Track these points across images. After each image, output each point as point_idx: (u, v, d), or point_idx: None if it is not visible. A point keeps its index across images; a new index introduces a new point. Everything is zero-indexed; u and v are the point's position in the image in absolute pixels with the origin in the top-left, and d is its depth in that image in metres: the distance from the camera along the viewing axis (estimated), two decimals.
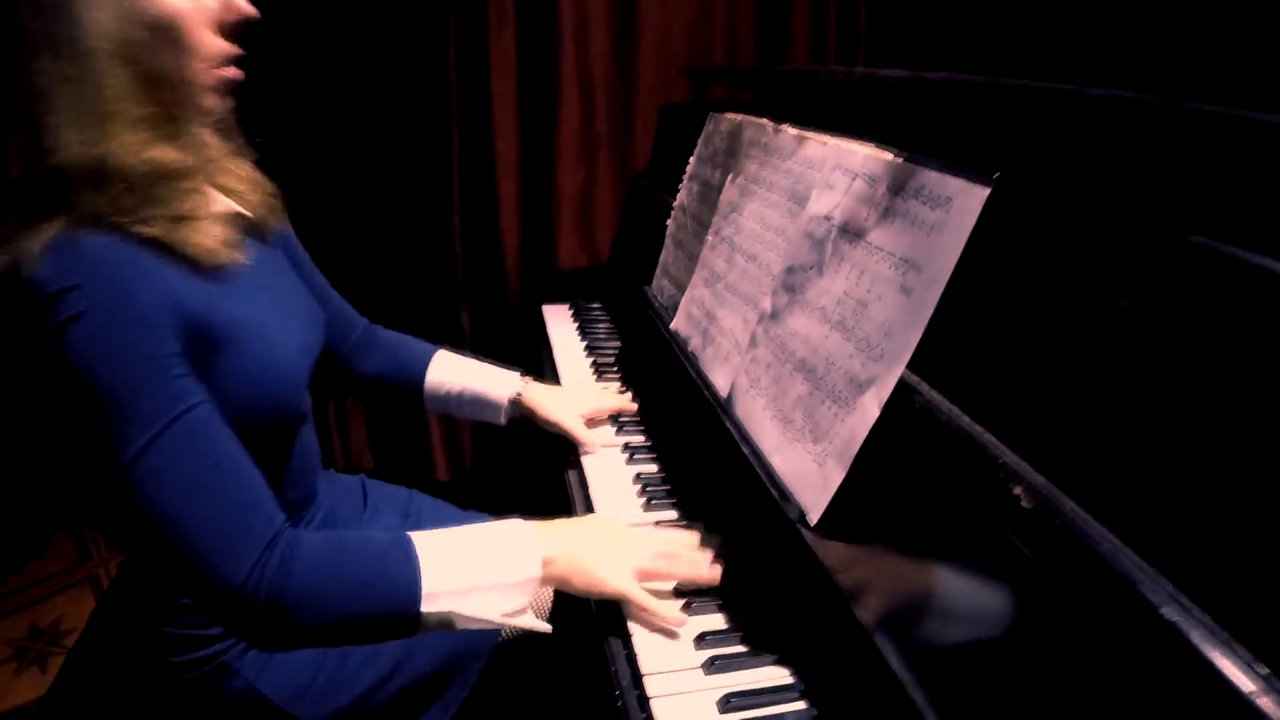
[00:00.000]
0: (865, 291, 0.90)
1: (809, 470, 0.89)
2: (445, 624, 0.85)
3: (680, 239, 1.47)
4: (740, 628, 0.92)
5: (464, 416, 1.37)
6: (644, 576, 0.94)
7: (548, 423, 1.32)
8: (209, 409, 0.81)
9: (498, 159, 1.96)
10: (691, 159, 1.53)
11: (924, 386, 0.83)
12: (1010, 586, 0.67)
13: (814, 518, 0.86)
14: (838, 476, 0.85)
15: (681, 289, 1.38)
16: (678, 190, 1.56)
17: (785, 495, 0.91)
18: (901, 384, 0.82)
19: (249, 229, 1.00)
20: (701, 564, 0.98)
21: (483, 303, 2.08)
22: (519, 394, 1.32)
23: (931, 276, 0.83)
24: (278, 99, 1.78)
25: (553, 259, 2.04)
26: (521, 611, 0.89)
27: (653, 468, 1.25)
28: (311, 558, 0.81)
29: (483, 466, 2.13)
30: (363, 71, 1.88)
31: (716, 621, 0.94)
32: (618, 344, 1.73)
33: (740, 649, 0.89)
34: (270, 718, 0.98)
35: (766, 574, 0.98)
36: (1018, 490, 0.68)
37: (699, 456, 1.21)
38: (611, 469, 1.25)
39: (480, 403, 1.32)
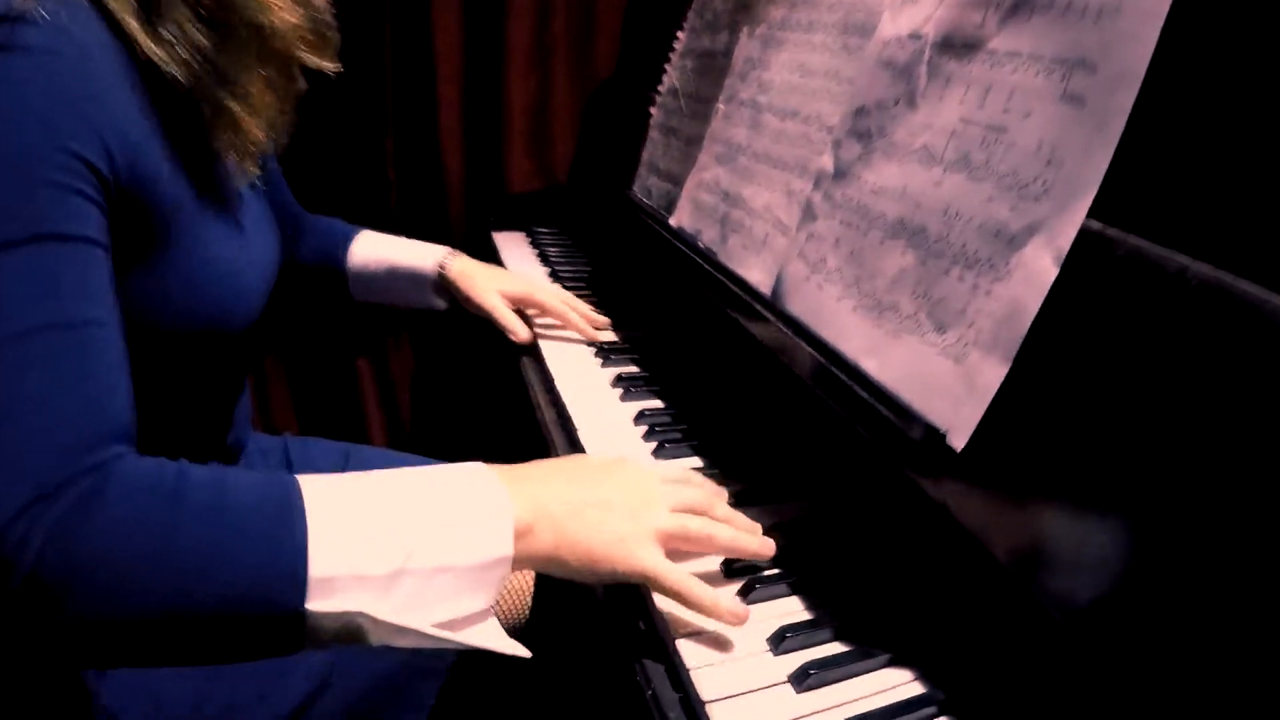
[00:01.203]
0: (999, 113, 0.59)
1: (939, 369, 0.56)
2: (350, 635, 0.49)
3: (672, 126, 1.13)
4: (831, 616, 0.60)
5: (395, 300, 1.11)
6: (673, 540, 0.59)
7: (468, 299, 1.06)
8: (99, 258, 0.52)
9: (438, 67, 1.57)
10: (680, 35, 1.19)
11: (1113, 231, 0.52)
12: None
13: (959, 438, 0.53)
14: (995, 372, 0.53)
15: (678, 181, 1.04)
16: (661, 79, 1.22)
17: (905, 411, 0.58)
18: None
19: None
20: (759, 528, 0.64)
21: (422, 235, 1.69)
22: (444, 265, 1.06)
23: (1116, 73, 0.52)
24: None
25: (503, 182, 1.66)
26: (481, 616, 0.53)
27: (655, 402, 0.92)
28: (128, 504, 0.45)
29: (426, 424, 1.76)
30: None
31: (792, 609, 0.61)
32: (588, 269, 1.39)
33: (838, 648, 0.57)
34: None
35: (854, 532, 0.66)
36: None
37: (722, 381, 0.88)
38: (601, 406, 0.91)
39: (407, 278, 1.07)
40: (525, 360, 1.03)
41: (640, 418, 0.87)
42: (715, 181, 0.92)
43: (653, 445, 0.82)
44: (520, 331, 1.04)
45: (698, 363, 0.94)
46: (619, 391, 0.94)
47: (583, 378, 0.97)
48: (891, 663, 0.56)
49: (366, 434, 1.71)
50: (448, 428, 1.75)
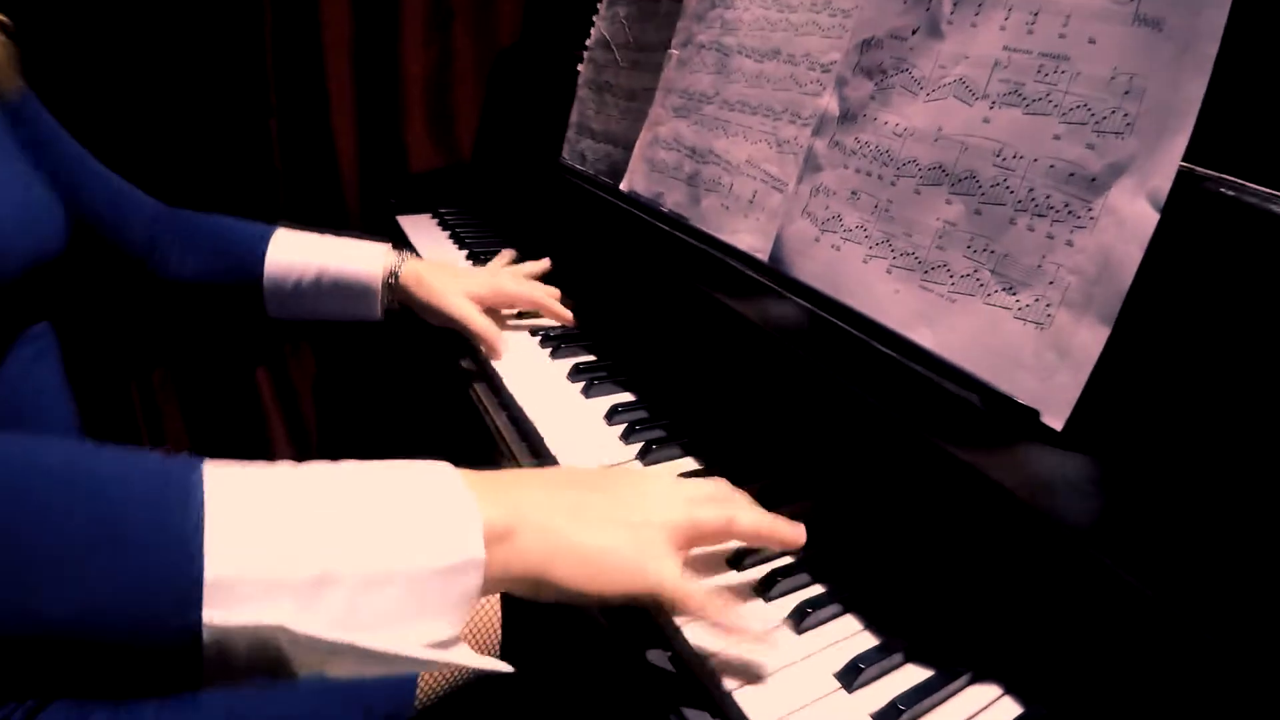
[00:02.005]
0: (1055, 39, 0.50)
1: (1017, 336, 0.48)
2: (268, 663, 0.36)
3: (605, 81, 1.01)
4: (897, 634, 0.50)
5: (325, 313, 0.89)
6: (689, 538, 0.48)
7: (431, 308, 0.88)
8: None
9: (325, 36, 1.39)
10: None
11: (1206, 171, 0.45)
12: None
13: (1056, 415, 0.45)
14: (1093, 335, 0.44)
15: (619, 142, 0.93)
16: (576, 36, 1.09)
17: (976, 386, 0.49)
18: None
19: None
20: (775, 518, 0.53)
21: (315, 225, 1.51)
22: (395, 269, 0.87)
23: None
24: None
25: (403, 162, 1.50)
26: (448, 644, 0.40)
27: (624, 395, 0.80)
28: None
29: (335, 435, 1.58)
30: None
31: (849, 630, 0.51)
32: (509, 248, 1.25)
33: (917, 672, 0.47)
34: None
35: (901, 532, 0.57)
36: None
37: (704, 363, 0.77)
38: (562, 404, 0.79)
39: (346, 288, 0.86)
40: (465, 360, 0.89)
41: (614, 415, 0.75)
42: (675, 137, 0.81)
43: (636, 447, 0.70)
44: (500, 349, 0.86)
45: (668, 345, 0.82)
46: (579, 386, 0.82)
47: (533, 373, 0.84)
48: (975, 680, 0.48)
49: (270, 448, 1.52)
50: (360, 438, 1.58)
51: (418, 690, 0.69)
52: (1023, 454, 0.47)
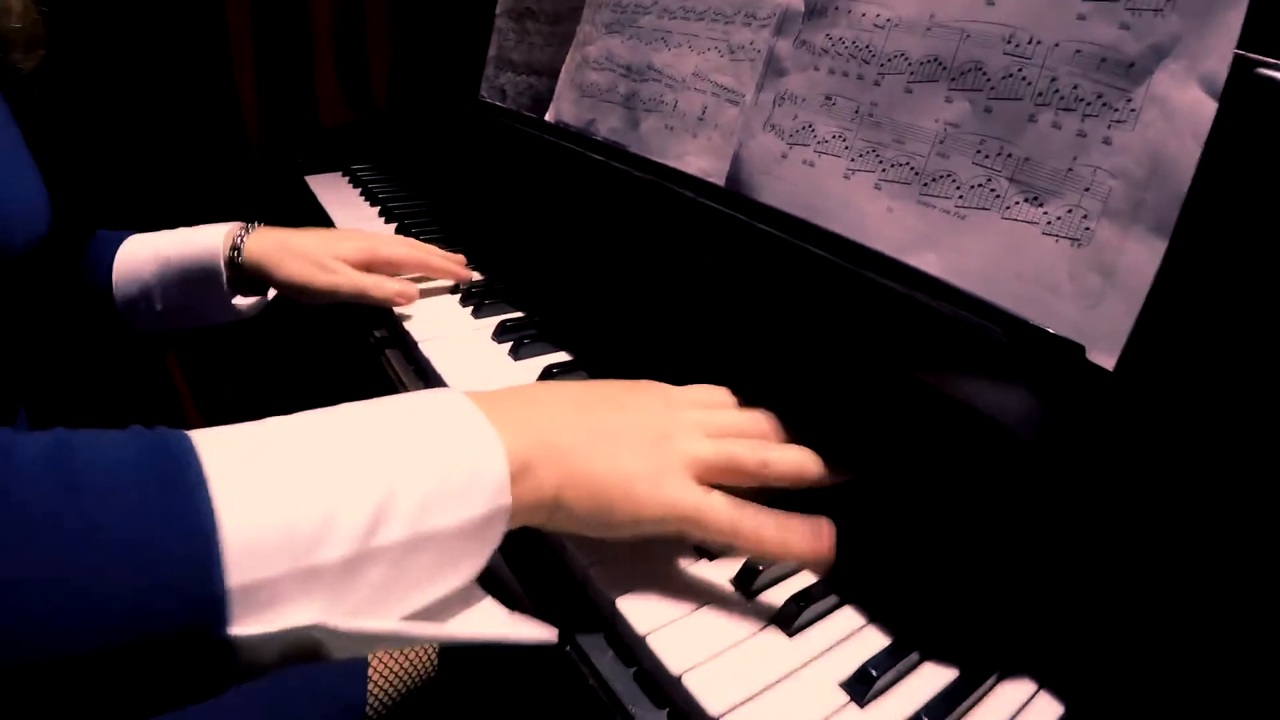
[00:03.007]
0: None
1: (1047, 255, 0.38)
2: (300, 656, 0.31)
3: (525, 8, 0.87)
4: (905, 632, 0.40)
5: (184, 317, 0.74)
6: (713, 471, 0.42)
7: (298, 287, 0.71)
8: None
9: None
10: None
11: (1260, 57, 0.36)
12: None
13: (1106, 351, 0.35)
14: (1146, 251, 0.35)
15: (544, 71, 0.80)
16: None
17: (999, 316, 0.38)
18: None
19: None
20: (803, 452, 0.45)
21: (215, 192, 1.33)
22: (239, 243, 0.71)
23: None
24: None
25: (314, 118, 1.34)
26: (470, 599, 0.37)
27: (559, 355, 0.69)
28: None
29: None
30: None
31: (849, 627, 0.40)
32: (426, 202, 1.12)
33: (937, 676, 0.38)
34: None
35: (899, 503, 0.47)
36: None
37: (651, 314, 0.66)
38: (488, 370, 0.67)
39: (189, 277, 0.71)
40: (376, 332, 0.76)
41: (548, 377, 0.64)
42: (607, 55, 0.69)
43: None
44: (411, 291, 0.73)
45: (607, 295, 0.71)
46: (506, 347, 0.70)
47: (453, 336, 0.72)
48: (1004, 677, 0.39)
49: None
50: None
51: (366, 703, 0.59)
52: (1057, 403, 0.37)
